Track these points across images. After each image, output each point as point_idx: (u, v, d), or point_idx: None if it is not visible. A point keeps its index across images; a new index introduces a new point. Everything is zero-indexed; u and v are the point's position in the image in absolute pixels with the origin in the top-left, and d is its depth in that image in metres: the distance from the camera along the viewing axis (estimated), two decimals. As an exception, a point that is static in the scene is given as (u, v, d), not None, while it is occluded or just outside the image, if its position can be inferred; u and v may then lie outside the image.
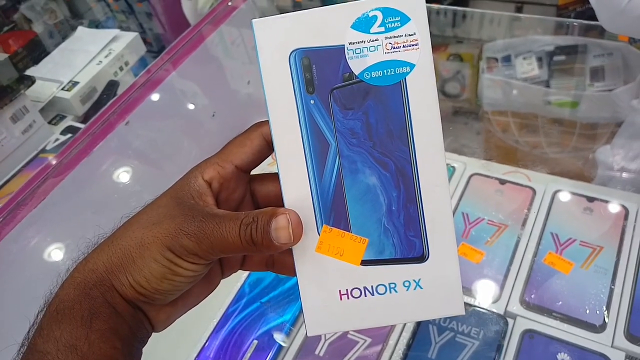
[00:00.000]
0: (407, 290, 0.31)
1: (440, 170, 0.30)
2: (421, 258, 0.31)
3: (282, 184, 0.30)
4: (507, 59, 1.15)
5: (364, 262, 0.31)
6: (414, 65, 0.29)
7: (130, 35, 1.27)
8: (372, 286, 0.31)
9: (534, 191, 0.66)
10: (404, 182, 0.30)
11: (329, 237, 0.31)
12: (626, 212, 0.62)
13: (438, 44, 1.22)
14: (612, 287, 0.56)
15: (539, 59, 1.13)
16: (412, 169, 0.30)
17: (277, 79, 0.30)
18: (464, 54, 1.28)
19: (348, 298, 0.31)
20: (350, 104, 0.30)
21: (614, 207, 0.63)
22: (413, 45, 0.29)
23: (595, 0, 0.69)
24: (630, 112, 0.91)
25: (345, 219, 0.31)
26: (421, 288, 0.31)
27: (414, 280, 0.31)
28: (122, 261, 0.29)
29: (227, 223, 0.29)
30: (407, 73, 0.29)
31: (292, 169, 0.30)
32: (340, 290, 0.31)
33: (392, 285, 0.31)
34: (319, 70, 0.30)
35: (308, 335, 0.32)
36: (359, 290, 0.31)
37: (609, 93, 1.00)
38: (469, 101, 1.29)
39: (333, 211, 0.31)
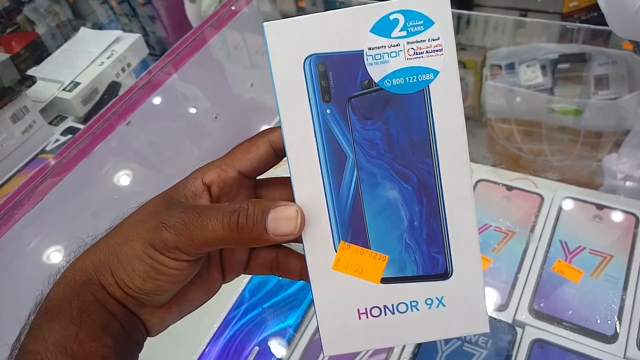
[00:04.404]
0: (430, 308, 0.29)
1: (465, 183, 0.29)
2: (444, 275, 0.29)
3: (297, 198, 0.29)
4: (510, 67, 1.15)
5: (384, 280, 0.29)
6: (438, 72, 0.28)
7: (133, 37, 1.26)
8: (392, 305, 0.29)
9: (542, 198, 0.65)
10: (426, 195, 0.29)
11: (347, 254, 0.29)
12: (636, 221, 0.61)
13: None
14: (624, 296, 0.55)
15: (543, 67, 1.13)
16: (435, 182, 0.29)
17: (291, 87, 0.28)
18: (467, 61, 1.27)
19: (367, 317, 0.29)
20: (369, 113, 0.28)
21: (624, 215, 0.62)
22: (437, 50, 0.28)
23: (605, 5, 0.68)
24: (637, 120, 0.90)
25: (364, 235, 0.29)
26: (444, 306, 0.29)
27: (437, 298, 0.29)
28: (107, 259, 0.28)
29: (209, 211, 0.27)
30: (431, 80, 0.28)
31: (306, 183, 0.29)
32: (359, 309, 0.29)
33: (414, 304, 0.29)
34: (336, 78, 0.28)
35: (325, 355, 0.30)
36: (378, 309, 0.29)
37: (613, 101, 0.99)
38: (472, 108, 1.28)
39: (351, 227, 0.29)
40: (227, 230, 0.27)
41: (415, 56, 0.28)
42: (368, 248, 0.29)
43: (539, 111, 1.11)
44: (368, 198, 0.29)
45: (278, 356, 0.56)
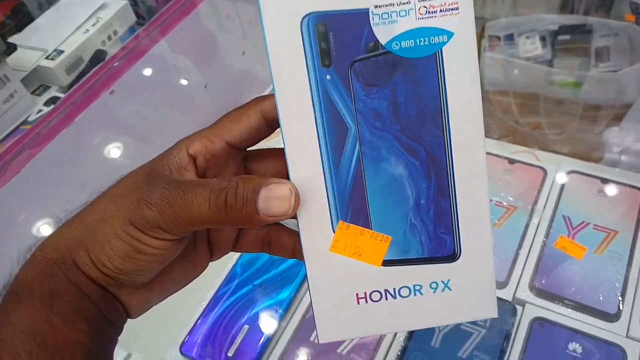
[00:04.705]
0: (434, 292, 0.27)
1: (478, 158, 0.26)
2: (452, 257, 0.27)
3: (291, 174, 0.26)
4: (509, 38, 1.12)
5: (386, 263, 0.27)
6: (453, 33, 0.25)
7: (120, 4, 1.21)
8: (394, 289, 0.27)
9: (545, 171, 0.63)
10: (435, 171, 0.26)
11: (346, 235, 0.27)
12: (642, 195, 0.59)
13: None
14: (628, 273, 0.53)
15: (543, 39, 1.10)
16: (446, 157, 0.26)
17: (286, 50, 0.25)
18: (466, 32, 1.24)
19: (366, 302, 0.27)
20: (374, 79, 0.25)
21: (629, 190, 0.60)
22: (452, 9, 0.24)
23: None
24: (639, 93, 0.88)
25: (365, 215, 0.27)
26: (450, 290, 0.27)
27: (443, 282, 0.27)
28: (83, 236, 0.26)
29: (194, 188, 0.25)
30: (444, 43, 0.25)
31: (302, 157, 0.26)
32: (357, 294, 0.27)
33: (418, 288, 0.27)
34: (337, 39, 0.25)
35: (320, 342, 0.28)
36: (379, 294, 0.27)
37: (614, 74, 0.97)
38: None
39: (351, 205, 0.27)
40: (214, 210, 0.25)
41: (427, 15, 0.24)
42: (369, 228, 0.27)
43: (537, 83, 1.09)
44: (371, 174, 0.26)
45: (268, 335, 0.54)
